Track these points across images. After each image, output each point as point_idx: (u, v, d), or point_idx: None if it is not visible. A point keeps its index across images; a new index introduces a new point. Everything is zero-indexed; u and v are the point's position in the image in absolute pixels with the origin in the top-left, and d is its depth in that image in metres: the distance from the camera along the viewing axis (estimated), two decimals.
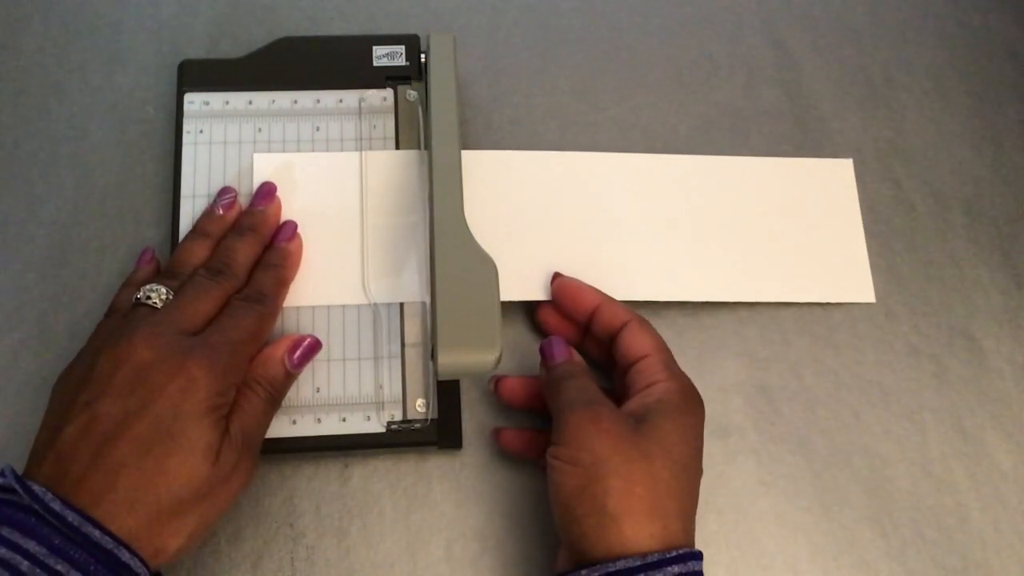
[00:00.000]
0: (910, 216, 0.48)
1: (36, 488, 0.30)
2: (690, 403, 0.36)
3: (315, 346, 0.39)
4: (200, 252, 0.39)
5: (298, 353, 0.38)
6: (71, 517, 0.30)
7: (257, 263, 0.40)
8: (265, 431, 0.37)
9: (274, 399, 0.37)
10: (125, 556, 0.30)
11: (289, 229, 0.41)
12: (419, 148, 0.44)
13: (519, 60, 0.49)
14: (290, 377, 0.38)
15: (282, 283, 0.40)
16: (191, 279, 0.38)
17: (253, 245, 0.40)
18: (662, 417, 0.35)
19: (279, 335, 0.39)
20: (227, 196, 0.41)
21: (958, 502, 0.42)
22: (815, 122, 0.49)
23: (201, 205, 0.42)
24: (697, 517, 0.40)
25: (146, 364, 0.33)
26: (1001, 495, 0.42)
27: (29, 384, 0.41)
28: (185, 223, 0.42)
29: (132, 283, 0.39)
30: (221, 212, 0.41)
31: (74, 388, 0.34)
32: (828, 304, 0.45)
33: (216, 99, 0.44)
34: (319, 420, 0.39)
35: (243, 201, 0.42)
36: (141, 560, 0.31)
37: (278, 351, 0.38)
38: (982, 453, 0.43)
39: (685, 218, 0.45)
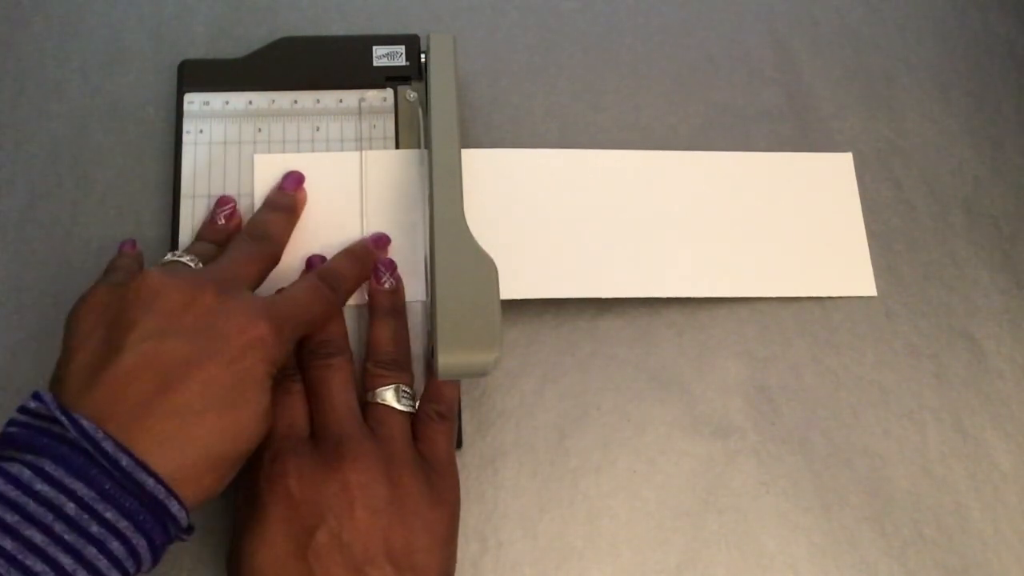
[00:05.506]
0: (910, 216, 0.48)
1: (85, 423, 0.28)
2: None
3: None
4: (212, 255, 0.39)
5: None
6: (124, 461, 0.28)
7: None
8: None
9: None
10: (174, 507, 0.29)
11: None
12: (419, 148, 0.44)
13: (519, 60, 0.49)
14: None
15: (364, 269, 0.40)
16: (236, 241, 0.38)
17: (288, 223, 0.41)
18: None
19: None
20: (226, 207, 0.41)
21: (958, 502, 0.42)
22: (815, 122, 0.49)
23: (201, 205, 0.42)
24: (697, 517, 0.40)
25: (217, 311, 0.32)
26: (1001, 495, 0.42)
27: (29, 384, 0.40)
28: (185, 223, 0.42)
29: (117, 268, 0.38)
30: (223, 222, 0.41)
31: (119, 313, 0.32)
32: (828, 303, 0.45)
33: (216, 99, 0.44)
34: None
35: (243, 202, 0.42)
36: (186, 511, 0.29)
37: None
38: (982, 453, 0.43)
39: (685, 214, 0.45)
